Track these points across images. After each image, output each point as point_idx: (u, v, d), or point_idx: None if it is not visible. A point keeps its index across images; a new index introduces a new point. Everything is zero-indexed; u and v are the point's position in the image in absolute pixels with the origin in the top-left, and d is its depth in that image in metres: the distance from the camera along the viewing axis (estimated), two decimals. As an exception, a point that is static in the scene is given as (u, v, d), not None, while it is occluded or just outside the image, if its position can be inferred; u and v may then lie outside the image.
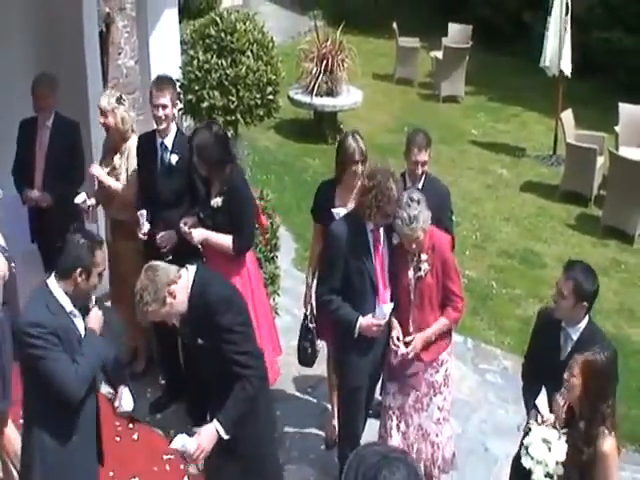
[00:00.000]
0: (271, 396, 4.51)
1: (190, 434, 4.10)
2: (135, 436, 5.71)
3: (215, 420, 4.03)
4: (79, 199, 5.93)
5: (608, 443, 3.80)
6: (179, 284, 3.98)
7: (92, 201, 6.00)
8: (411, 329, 4.88)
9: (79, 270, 3.81)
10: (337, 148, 5.35)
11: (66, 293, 3.86)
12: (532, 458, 3.91)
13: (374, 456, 2.25)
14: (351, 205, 5.11)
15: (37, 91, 6.01)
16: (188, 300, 4.00)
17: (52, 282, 3.87)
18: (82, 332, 3.95)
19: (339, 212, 5.24)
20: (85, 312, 4.00)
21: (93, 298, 4.09)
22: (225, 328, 3.94)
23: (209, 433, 4.02)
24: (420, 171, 5.38)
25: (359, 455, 2.28)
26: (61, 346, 3.76)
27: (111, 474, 5.18)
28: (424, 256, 4.76)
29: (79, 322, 3.95)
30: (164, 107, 5.53)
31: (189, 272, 4.05)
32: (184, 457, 4.17)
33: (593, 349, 3.86)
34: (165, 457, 5.51)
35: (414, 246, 4.71)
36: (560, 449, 3.87)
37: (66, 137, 6.13)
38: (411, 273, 4.81)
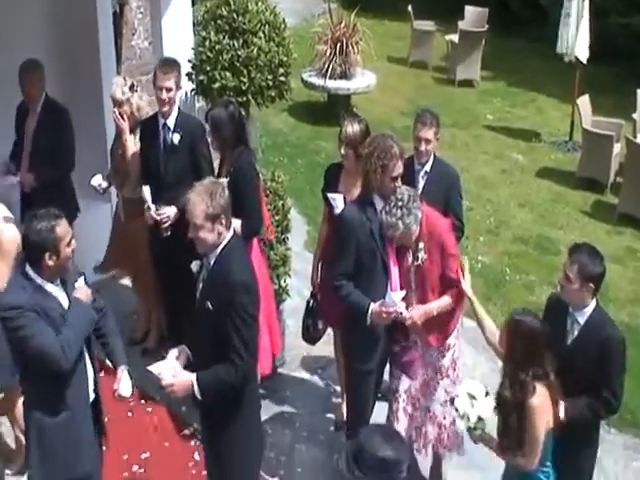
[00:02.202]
0: (258, 400, 4.46)
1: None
2: (147, 412, 5.77)
3: (195, 374, 4.01)
4: (95, 181, 6.14)
5: (535, 399, 3.83)
6: (227, 232, 3.98)
7: (105, 184, 6.18)
8: None
9: (47, 254, 3.78)
10: None
11: (43, 276, 3.84)
12: (456, 410, 4.01)
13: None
14: (356, 191, 5.04)
15: (22, 81, 5.98)
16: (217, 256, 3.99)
17: (28, 269, 3.84)
18: (66, 306, 3.92)
19: (334, 197, 5.28)
20: (66, 286, 3.95)
21: (81, 279, 4.03)
22: (237, 307, 3.89)
23: (185, 380, 4.01)
24: (423, 148, 5.34)
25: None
26: (43, 321, 3.75)
27: (122, 451, 5.27)
28: (421, 244, 4.71)
29: (62, 297, 3.93)
30: (168, 90, 5.62)
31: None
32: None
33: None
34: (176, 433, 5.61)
35: (404, 242, 4.68)
36: (485, 406, 3.94)
37: (53, 122, 6.11)
38: (410, 261, 4.78)
